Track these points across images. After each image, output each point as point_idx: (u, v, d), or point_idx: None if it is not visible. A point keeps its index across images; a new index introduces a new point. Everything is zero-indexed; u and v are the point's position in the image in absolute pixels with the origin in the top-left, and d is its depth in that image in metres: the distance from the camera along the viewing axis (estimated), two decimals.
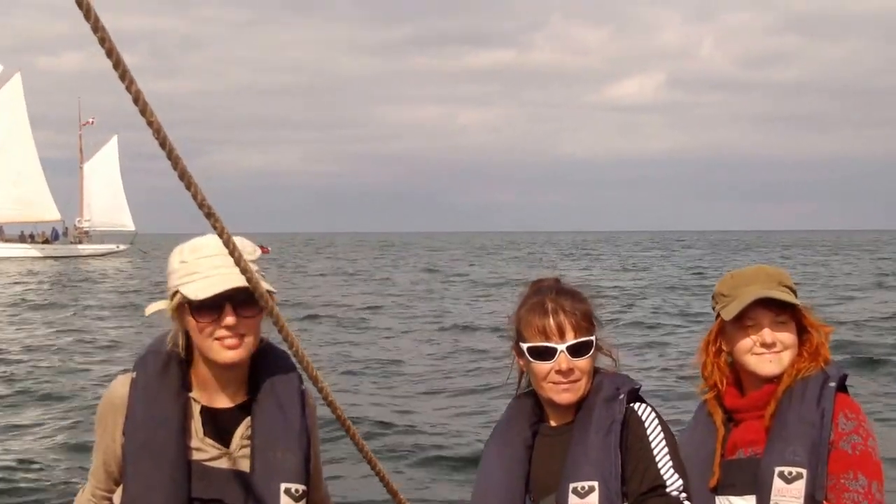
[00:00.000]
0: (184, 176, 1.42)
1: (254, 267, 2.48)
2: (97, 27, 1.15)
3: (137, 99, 1.27)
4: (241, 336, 2.48)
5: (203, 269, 2.46)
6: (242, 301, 2.45)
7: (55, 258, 73.87)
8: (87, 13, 1.12)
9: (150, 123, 1.32)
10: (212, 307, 2.46)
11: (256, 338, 2.54)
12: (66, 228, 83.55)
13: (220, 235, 1.60)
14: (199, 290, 2.44)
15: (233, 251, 1.63)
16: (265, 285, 2.30)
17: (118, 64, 1.21)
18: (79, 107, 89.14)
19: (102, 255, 79.24)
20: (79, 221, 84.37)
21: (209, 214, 1.49)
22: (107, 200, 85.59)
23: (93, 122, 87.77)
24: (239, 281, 2.37)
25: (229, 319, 2.45)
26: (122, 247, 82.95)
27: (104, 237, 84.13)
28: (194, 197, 1.46)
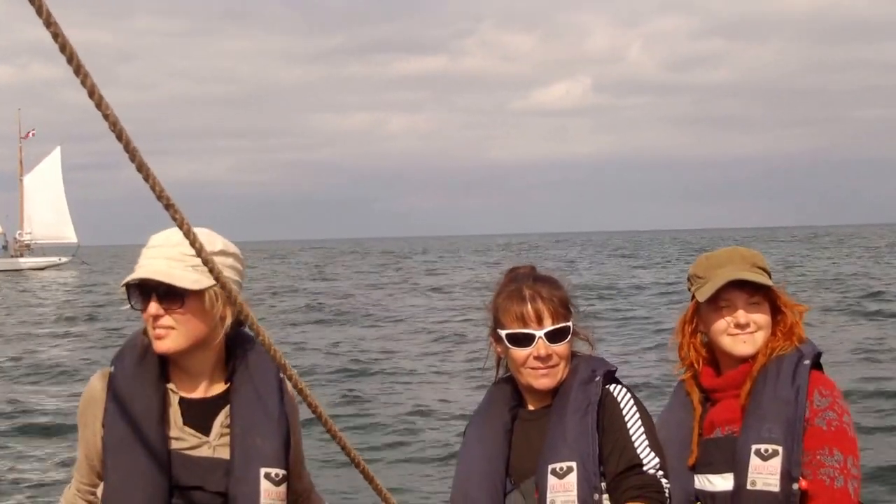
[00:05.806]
0: (142, 168, 1.48)
1: (227, 260, 2.57)
2: (49, 22, 1.20)
3: (93, 92, 1.32)
4: (169, 328, 2.57)
5: (141, 259, 2.60)
6: (166, 293, 2.55)
7: None
8: (39, 8, 1.17)
9: (106, 116, 1.37)
10: (143, 297, 2.58)
11: (191, 332, 2.60)
12: (7, 242, 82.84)
13: (180, 226, 1.67)
14: (127, 278, 2.58)
15: (193, 241, 1.69)
16: (232, 276, 2.38)
17: (72, 58, 1.27)
18: (18, 118, 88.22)
19: (43, 267, 78.55)
20: (19, 235, 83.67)
21: (168, 206, 1.55)
22: (49, 213, 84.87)
23: (33, 134, 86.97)
24: (163, 272, 2.51)
25: (152, 308, 2.56)
26: (63, 259, 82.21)
27: (46, 250, 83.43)
28: (153, 188, 1.52)
